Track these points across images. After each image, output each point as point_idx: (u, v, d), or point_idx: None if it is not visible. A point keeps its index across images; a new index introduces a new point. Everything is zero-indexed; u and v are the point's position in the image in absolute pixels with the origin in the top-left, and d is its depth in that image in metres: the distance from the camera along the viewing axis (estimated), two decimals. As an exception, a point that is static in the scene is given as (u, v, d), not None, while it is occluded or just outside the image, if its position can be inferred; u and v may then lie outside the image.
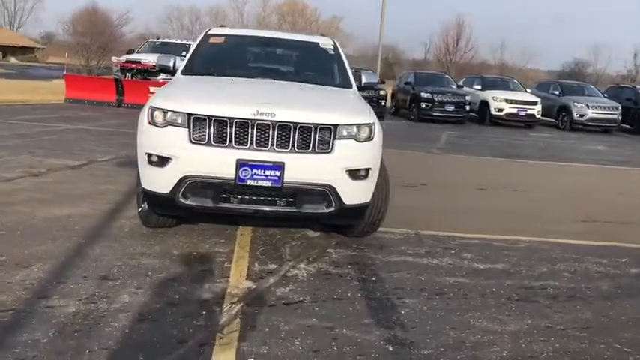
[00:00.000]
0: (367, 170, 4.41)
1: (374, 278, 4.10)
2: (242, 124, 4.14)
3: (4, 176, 6.37)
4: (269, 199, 4.26)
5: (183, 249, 4.39)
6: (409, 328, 3.32)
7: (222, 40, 5.98)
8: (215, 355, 2.85)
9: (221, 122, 4.14)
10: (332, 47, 5.96)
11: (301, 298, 3.63)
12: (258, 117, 4.14)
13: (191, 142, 4.15)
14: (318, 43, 5.98)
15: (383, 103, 18.98)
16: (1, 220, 4.77)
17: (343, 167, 4.26)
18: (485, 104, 19.82)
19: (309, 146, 4.20)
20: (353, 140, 4.34)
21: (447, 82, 21.00)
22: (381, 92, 18.92)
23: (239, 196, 4.23)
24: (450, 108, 18.95)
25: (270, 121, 4.15)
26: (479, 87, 20.72)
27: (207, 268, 4.04)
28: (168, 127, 4.21)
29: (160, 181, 4.24)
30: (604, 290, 4.23)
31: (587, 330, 3.48)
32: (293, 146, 4.17)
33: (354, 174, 4.33)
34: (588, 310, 3.80)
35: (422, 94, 19.15)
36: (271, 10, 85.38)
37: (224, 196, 4.23)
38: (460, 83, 21.91)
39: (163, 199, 4.27)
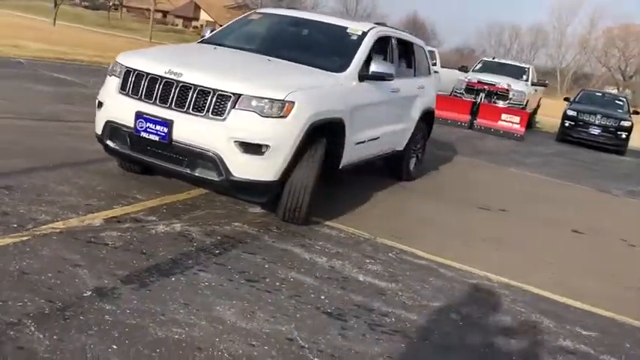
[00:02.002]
0: (266, 146, 4.22)
1: (218, 251, 3.93)
2: (153, 80, 4.39)
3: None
4: (174, 157, 4.41)
5: (111, 189, 4.80)
6: (136, 291, 3.16)
7: (260, 17, 6.20)
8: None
9: (139, 76, 4.46)
10: (359, 34, 5.65)
11: (111, 243, 3.73)
12: (167, 75, 4.34)
13: (118, 91, 4.57)
14: (346, 28, 5.74)
15: (623, 136, 16.27)
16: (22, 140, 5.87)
17: (232, 137, 4.18)
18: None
19: (203, 110, 4.23)
20: (255, 113, 4.20)
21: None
22: (623, 123, 16.28)
23: (153, 149, 4.48)
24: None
25: (175, 80, 4.31)
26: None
27: (95, 204, 4.39)
28: (112, 77, 4.70)
29: (98, 124, 4.76)
30: (464, 340, 3.32)
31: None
32: (189, 107, 4.26)
33: (247, 147, 4.20)
34: (385, 347, 3.08)
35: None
36: (599, 34, 78.39)
37: (144, 146, 4.52)
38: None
39: (99, 140, 4.78)
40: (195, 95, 4.24)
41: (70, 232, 3.79)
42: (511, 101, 15.97)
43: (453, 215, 6.20)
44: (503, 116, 15.13)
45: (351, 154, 5.33)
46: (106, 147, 4.72)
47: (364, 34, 5.65)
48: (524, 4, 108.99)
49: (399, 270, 4.25)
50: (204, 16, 77.80)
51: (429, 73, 7.55)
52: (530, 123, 17.63)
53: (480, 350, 3.28)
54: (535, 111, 19.38)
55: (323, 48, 5.76)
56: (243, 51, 5.40)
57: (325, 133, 4.74)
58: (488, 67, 17.97)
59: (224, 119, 4.19)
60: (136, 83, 4.45)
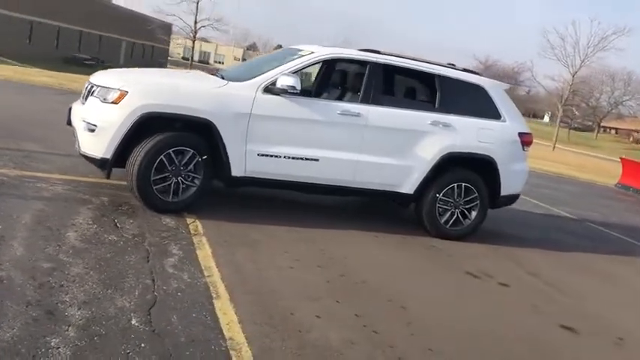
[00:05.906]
0: (94, 126, 5.04)
1: (20, 196, 4.93)
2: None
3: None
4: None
5: (78, 165, 6.07)
6: None
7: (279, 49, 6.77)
8: None
9: (90, 83, 5.96)
10: (305, 54, 5.64)
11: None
12: (90, 79, 5.70)
13: (87, 97, 6.16)
14: (310, 53, 5.77)
15: None
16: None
17: (81, 117, 5.21)
18: None
19: (85, 99, 5.39)
20: (98, 99, 5.14)
21: None
22: None
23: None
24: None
25: (89, 81, 5.62)
26: None
27: (41, 167, 5.86)
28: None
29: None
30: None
31: None
32: (82, 97, 5.50)
33: (87, 125, 5.12)
34: None
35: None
36: None
37: None
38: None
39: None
40: (88, 89, 5.44)
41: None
42: None
43: (388, 263, 5.11)
44: None
45: (253, 164, 5.36)
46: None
47: (309, 54, 5.62)
48: None
49: (134, 245, 4.29)
50: None
51: (499, 117, 6.21)
52: None
53: None
54: None
55: (265, 66, 5.85)
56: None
57: (194, 130, 5.17)
58: None
59: (84, 104, 5.26)
60: (88, 88, 5.95)
